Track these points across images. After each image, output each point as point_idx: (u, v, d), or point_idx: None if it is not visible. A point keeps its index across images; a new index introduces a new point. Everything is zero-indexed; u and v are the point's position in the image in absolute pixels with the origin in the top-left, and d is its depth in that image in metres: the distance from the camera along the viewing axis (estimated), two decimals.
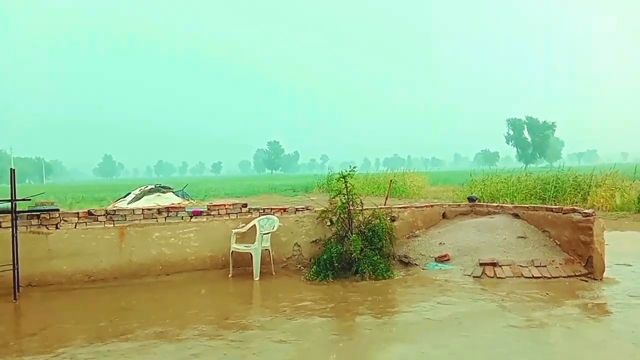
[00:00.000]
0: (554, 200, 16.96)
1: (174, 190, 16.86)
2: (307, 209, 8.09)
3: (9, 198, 6.19)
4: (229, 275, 7.21)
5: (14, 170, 6.36)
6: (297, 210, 8.05)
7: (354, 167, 8.05)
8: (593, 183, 16.99)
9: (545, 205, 9.09)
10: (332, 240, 7.45)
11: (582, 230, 6.83)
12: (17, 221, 6.28)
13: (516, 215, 8.30)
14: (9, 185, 6.24)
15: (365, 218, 7.61)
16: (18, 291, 6.08)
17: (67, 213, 6.90)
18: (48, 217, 6.66)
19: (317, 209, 8.04)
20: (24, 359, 4.16)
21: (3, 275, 6.10)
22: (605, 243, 6.81)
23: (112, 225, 6.99)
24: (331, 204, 7.86)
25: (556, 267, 6.77)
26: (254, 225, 7.48)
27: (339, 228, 7.56)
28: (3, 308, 5.72)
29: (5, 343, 4.58)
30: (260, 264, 7.12)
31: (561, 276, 6.60)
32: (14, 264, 6.04)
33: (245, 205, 7.85)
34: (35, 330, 4.99)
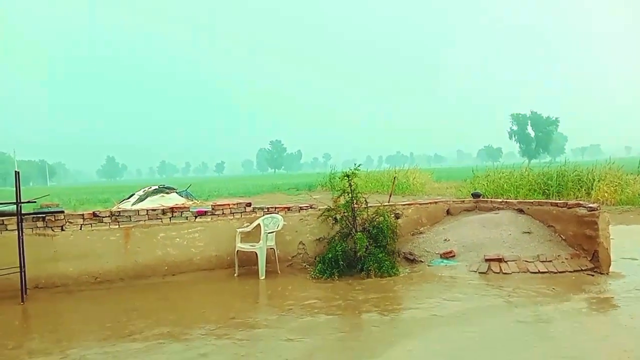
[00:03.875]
0: (558, 195, 16.91)
1: (177, 191, 16.85)
2: (311, 208, 8.09)
3: (14, 201, 6.21)
4: (235, 275, 7.23)
5: (18, 172, 6.38)
6: (301, 208, 8.05)
7: (359, 165, 8.02)
8: (596, 177, 16.94)
9: (549, 200, 9.08)
10: (336, 238, 7.44)
11: (588, 224, 6.81)
12: (23, 223, 6.30)
13: (521, 211, 8.28)
14: (14, 188, 6.26)
15: (369, 215, 7.60)
16: (25, 293, 6.10)
17: (72, 215, 6.92)
18: (53, 219, 6.68)
19: (321, 207, 8.04)
20: None
21: (10, 277, 6.12)
22: (611, 237, 6.79)
23: (117, 226, 7.00)
24: (335, 202, 7.85)
25: (562, 262, 6.75)
26: (259, 224, 7.49)
27: (343, 226, 7.55)
28: (11, 310, 5.74)
29: (14, 345, 4.60)
30: (266, 263, 7.13)
31: (567, 271, 6.58)
32: (20, 266, 6.05)
33: (249, 205, 7.86)
34: (43, 331, 5.03)
